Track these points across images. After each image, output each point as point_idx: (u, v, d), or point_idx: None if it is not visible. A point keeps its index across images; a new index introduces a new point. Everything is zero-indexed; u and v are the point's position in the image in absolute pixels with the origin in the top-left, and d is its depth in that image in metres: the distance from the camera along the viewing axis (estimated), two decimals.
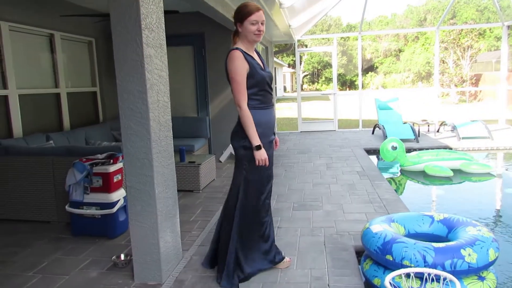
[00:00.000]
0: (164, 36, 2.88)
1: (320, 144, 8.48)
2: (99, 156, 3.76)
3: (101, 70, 6.52)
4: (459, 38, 23.35)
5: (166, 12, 3.23)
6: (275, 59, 13.90)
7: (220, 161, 6.93)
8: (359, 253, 3.15)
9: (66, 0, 5.40)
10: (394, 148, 6.44)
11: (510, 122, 10.99)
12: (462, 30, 23.10)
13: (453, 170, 6.09)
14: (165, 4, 3.00)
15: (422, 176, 6.20)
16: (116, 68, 2.64)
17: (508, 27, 10.08)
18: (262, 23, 2.64)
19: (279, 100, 25.17)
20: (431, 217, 3.03)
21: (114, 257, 3.13)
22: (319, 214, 4.11)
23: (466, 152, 6.93)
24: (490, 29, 32.08)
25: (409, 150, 7.04)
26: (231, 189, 2.86)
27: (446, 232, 2.87)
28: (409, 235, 2.96)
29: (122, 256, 3.13)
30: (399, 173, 6.55)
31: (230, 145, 6.83)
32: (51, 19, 5.42)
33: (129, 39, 2.58)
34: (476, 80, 22.83)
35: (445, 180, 5.97)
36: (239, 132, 2.68)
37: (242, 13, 2.63)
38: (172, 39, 6.70)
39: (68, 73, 5.90)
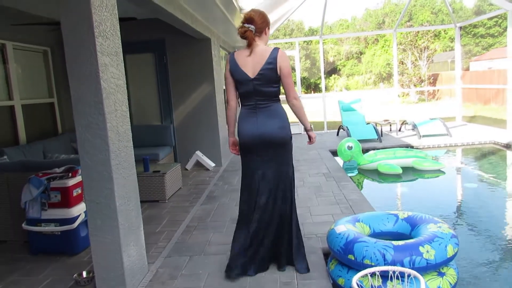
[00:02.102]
0: (120, 43, 2.80)
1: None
2: (57, 170, 3.61)
3: (58, 80, 6.29)
4: (416, 40, 24.20)
5: (122, 19, 3.16)
6: None
7: (187, 169, 6.83)
8: (327, 255, 3.17)
9: (18, 8, 5.18)
10: (350, 148, 6.66)
11: (466, 119, 11.47)
12: (418, 32, 23.96)
13: (407, 167, 6.37)
14: (121, 11, 2.93)
15: (377, 174, 6.42)
16: (69, 78, 2.54)
17: (460, 28, 10.54)
18: None
19: None
20: (396, 215, 3.08)
21: (75, 275, 2.99)
22: None
23: (421, 150, 7.18)
24: (444, 31, 33.54)
25: (368, 150, 7.21)
26: (278, 185, 2.91)
27: (410, 230, 2.94)
28: (374, 234, 3.00)
29: (84, 273, 3.00)
30: (357, 172, 6.73)
31: (196, 152, 6.82)
32: (2, 28, 5.17)
33: (82, 47, 2.49)
34: (434, 79, 23.74)
35: (396, 177, 6.21)
36: (288, 126, 2.92)
37: (268, 21, 2.94)
38: (132, 46, 6.62)
39: (23, 84, 5.65)
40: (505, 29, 31.79)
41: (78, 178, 3.53)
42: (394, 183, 6.19)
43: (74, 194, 3.48)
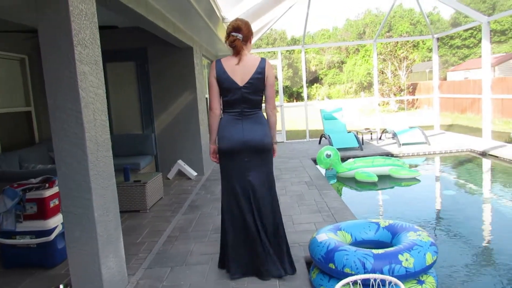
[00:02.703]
0: (100, 52, 2.77)
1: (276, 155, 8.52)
2: (33, 180, 3.51)
3: (35, 88, 6.16)
4: (396, 50, 24.67)
5: (103, 28, 3.12)
6: None
7: (168, 178, 6.76)
8: (310, 264, 3.17)
9: None
10: (329, 156, 6.74)
11: (444, 127, 11.73)
12: (397, 42, 24.48)
13: (385, 175, 6.50)
14: (102, 20, 2.89)
15: (354, 182, 6.50)
16: (46, 86, 2.49)
17: (438, 39, 10.82)
18: None
19: None
20: (377, 224, 3.10)
21: None
22: None
23: (399, 158, 7.30)
24: (422, 41, 34.38)
25: (349, 158, 7.29)
26: (265, 186, 2.97)
27: (391, 238, 2.96)
28: (356, 242, 3.02)
29: (62, 287, 2.93)
30: (336, 180, 6.80)
31: (178, 161, 6.75)
32: None
33: (60, 56, 2.45)
34: (413, 89, 24.22)
35: (372, 185, 6.31)
36: (270, 134, 3.00)
37: (252, 30, 3.00)
38: (113, 55, 6.56)
39: None
40: (479, 41, 32.80)
41: (55, 189, 3.44)
42: (373, 190, 6.26)
43: (51, 205, 3.40)
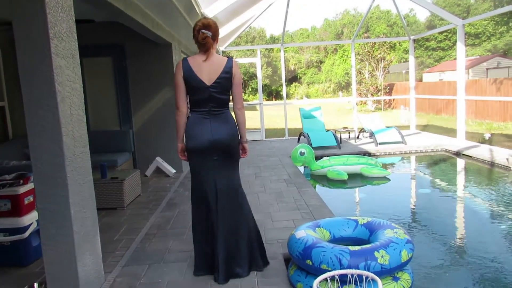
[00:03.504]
0: (77, 46, 2.71)
1: (248, 154, 8.54)
2: (7, 176, 3.42)
3: (9, 83, 5.98)
4: (373, 51, 25.05)
5: (79, 21, 3.06)
6: None
7: (146, 175, 6.68)
8: (288, 261, 3.19)
9: None
10: (302, 153, 6.86)
11: (419, 127, 12.00)
12: (375, 43, 24.86)
13: (358, 174, 6.64)
14: (79, 13, 2.84)
15: (326, 180, 6.60)
16: (21, 80, 2.43)
17: (414, 40, 11.05)
18: None
19: None
20: (356, 221, 3.14)
21: (26, 287, 2.85)
22: None
23: (372, 157, 7.43)
24: (399, 43, 35.05)
25: (321, 157, 7.37)
26: (234, 189, 3.00)
27: (368, 235, 3.00)
28: (334, 239, 3.06)
29: (36, 285, 2.87)
30: (309, 178, 6.88)
31: (157, 158, 6.69)
32: None
33: (35, 49, 2.39)
34: (390, 89, 24.66)
35: (341, 183, 6.43)
36: (237, 133, 3.00)
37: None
38: (90, 50, 6.44)
39: None
40: (454, 43, 33.67)
41: (30, 185, 3.36)
42: (351, 188, 6.36)
43: (26, 202, 3.31)
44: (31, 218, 3.35)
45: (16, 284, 3.00)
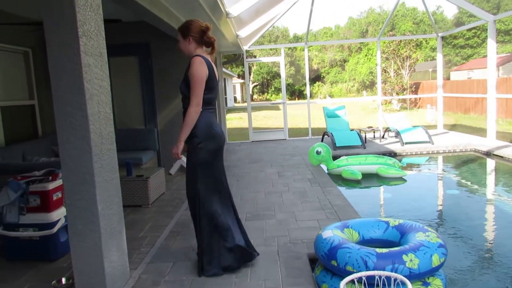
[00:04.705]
0: (105, 44, 2.74)
1: (271, 153, 8.52)
2: (37, 173, 3.50)
3: (39, 82, 6.15)
4: (399, 49, 24.54)
5: (107, 21, 3.09)
6: (224, 69, 13.89)
7: (170, 174, 6.72)
8: (313, 261, 3.14)
9: None
10: (319, 152, 6.82)
11: (447, 127, 11.69)
12: (401, 41, 24.37)
13: (374, 174, 6.53)
14: (106, 13, 2.87)
15: (341, 179, 6.50)
16: (51, 78, 2.47)
17: (442, 38, 10.76)
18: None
19: (229, 110, 25.16)
20: (387, 222, 3.05)
21: (54, 281, 2.90)
22: (272, 223, 4.07)
23: (396, 158, 7.25)
24: (426, 41, 34.25)
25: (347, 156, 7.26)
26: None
27: (399, 237, 2.91)
28: (364, 241, 2.98)
29: (64, 280, 2.91)
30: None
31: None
32: None
33: (65, 47, 2.43)
34: (416, 88, 24.14)
35: (355, 183, 6.32)
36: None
37: None
38: (116, 49, 6.52)
39: (2, 85, 5.50)
40: (483, 40, 32.69)
41: (59, 182, 3.43)
42: (375, 188, 6.22)
43: (54, 198, 3.38)
44: (59, 214, 3.42)
45: (45, 278, 3.06)
